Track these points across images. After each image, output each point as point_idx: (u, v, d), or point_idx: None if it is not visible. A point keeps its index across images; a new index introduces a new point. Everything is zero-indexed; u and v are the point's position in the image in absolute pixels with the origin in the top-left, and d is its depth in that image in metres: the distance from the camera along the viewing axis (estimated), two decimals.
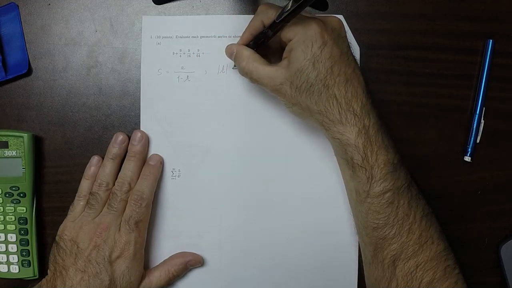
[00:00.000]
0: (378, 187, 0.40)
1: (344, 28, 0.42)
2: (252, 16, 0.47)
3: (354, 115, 0.40)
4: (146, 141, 0.48)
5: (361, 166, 0.40)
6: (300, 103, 0.41)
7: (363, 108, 0.40)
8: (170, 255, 0.48)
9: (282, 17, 0.39)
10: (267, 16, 0.42)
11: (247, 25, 0.44)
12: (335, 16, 0.42)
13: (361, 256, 0.48)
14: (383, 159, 0.40)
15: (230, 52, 0.45)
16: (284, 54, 0.42)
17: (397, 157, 0.41)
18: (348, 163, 0.41)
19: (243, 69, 0.43)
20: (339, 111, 0.40)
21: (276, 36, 0.42)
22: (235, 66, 0.46)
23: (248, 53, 0.43)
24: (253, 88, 0.48)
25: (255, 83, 0.43)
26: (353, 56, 0.42)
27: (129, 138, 0.48)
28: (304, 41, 0.39)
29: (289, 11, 0.38)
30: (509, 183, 0.49)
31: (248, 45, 0.44)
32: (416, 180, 0.42)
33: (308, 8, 0.48)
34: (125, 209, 0.45)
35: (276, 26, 0.40)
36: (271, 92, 0.43)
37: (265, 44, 0.43)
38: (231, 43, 0.45)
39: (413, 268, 0.40)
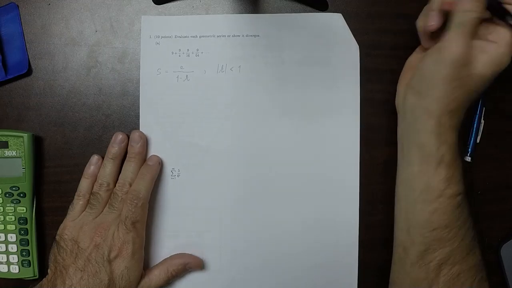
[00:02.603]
0: (454, 188, 0.41)
1: None
2: (251, 15, 0.47)
3: (460, 126, 0.41)
4: (145, 141, 0.48)
5: (447, 165, 0.41)
6: (459, 88, 0.40)
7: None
8: (170, 254, 0.48)
9: None
10: None
11: None
12: None
13: (361, 256, 0.48)
14: (462, 164, 0.41)
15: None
16: (483, 35, 0.41)
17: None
18: (431, 159, 0.41)
19: (464, 22, 0.39)
20: (460, 119, 0.41)
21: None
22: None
23: (479, 14, 0.39)
24: (253, 88, 0.48)
25: (449, 33, 0.40)
26: None
27: (129, 137, 0.48)
28: (503, 52, 0.40)
29: None
30: (509, 183, 0.49)
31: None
32: None
33: (307, 8, 0.48)
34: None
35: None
36: (461, 56, 0.39)
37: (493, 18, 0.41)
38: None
39: (455, 274, 0.40)
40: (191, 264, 0.47)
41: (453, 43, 0.39)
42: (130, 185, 0.46)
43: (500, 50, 0.40)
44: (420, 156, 0.42)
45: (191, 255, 0.48)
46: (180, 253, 0.48)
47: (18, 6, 0.49)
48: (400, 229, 0.44)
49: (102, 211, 0.46)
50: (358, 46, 0.48)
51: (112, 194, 0.46)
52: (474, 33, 0.40)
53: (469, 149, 0.48)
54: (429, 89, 0.41)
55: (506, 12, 0.40)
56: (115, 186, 0.46)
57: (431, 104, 0.41)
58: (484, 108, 0.48)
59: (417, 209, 0.42)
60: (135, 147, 0.47)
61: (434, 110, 0.41)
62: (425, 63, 0.41)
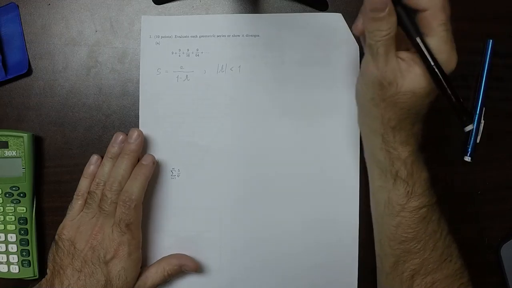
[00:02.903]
0: (415, 202, 0.40)
1: None
2: (250, 15, 0.47)
3: (415, 140, 0.40)
4: (142, 140, 0.47)
5: (404, 180, 0.40)
6: (384, 109, 0.38)
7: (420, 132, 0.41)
8: (169, 254, 0.48)
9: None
10: (431, 23, 0.36)
11: None
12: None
13: (361, 254, 0.48)
14: (425, 176, 0.40)
15: (380, 8, 0.35)
16: (406, 56, 0.37)
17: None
18: (389, 174, 0.41)
19: (377, 42, 0.36)
20: (408, 135, 0.40)
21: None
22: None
23: (393, 32, 0.36)
24: (253, 88, 0.48)
25: (368, 57, 0.38)
26: None
27: None
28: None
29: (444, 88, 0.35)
30: (509, 183, 0.49)
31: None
32: None
33: (307, 8, 0.48)
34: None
35: (425, 55, 0.35)
36: (370, 76, 0.38)
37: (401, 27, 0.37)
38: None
39: (430, 284, 0.40)
40: (187, 267, 0.47)
41: (368, 66, 0.38)
42: (120, 183, 0.45)
43: (419, 81, 0.37)
44: (379, 172, 0.42)
45: (188, 257, 0.48)
46: (178, 254, 0.48)
47: (18, 6, 0.49)
48: (375, 240, 0.44)
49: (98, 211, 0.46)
50: (358, 46, 0.48)
51: (102, 196, 0.45)
52: (390, 50, 0.36)
53: (469, 149, 0.48)
54: (365, 109, 0.41)
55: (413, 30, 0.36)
56: None
57: (372, 123, 0.40)
58: (484, 108, 0.48)
59: (384, 223, 0.42)
60: (131, 144, 0.46)
61: (376, 129, 0.40)
62: (356, 86, 0.41)
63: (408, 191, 0.40)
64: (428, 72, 0.36)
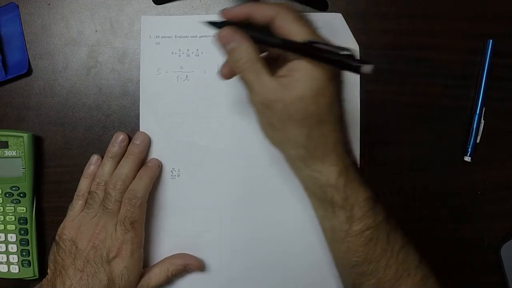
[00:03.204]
0: (358, 226, 0.39)
1: None
2: None
3: (337, 155, 0.39)
4: (148, 143, 0.48)
5: (341, 207, 0.39)
6: (286, 130, 0.38)
7: (345, 147, 0.40)
8: (170, 254, 0.48)
9: (307, 45, 0.35)
10: (284, 24, 0.36)
11: (251, 7, 0.37)
12: None
13: None
14: (363, 196, 0.39)
15: (228, 39, 0.37)
16: (285, 71, 0.37)
17: (371, 191, 0.40)
18: (326, 203, 0.40)
19: (242, 71, 0.37)
20: (324, 149, 0.39)
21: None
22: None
23: (253, 55, 0.37)
24: None
25: (246, 88, 0.38)
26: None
27: (130, 138, 0.48)
28: (312, 67, 0.36)
29: (326, 56, 0.35)
30: (509, 183, 0.49)
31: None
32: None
33: (308, 8, 0.48)
34: (120, 209, 0.45)
35: (294, 46, 0.35)
36: (257, 104, 0.38)
37: (264, 45, 0.38)
38: (222, 29, 0.38)
39: None
40: (192, 265, 0.47)
41: (250, 98, 0.38)
42: (124, 182, 0.45)
43: (303, 83, 0.36)
44: (316, 202, 0.41)
45: (192, 256, 0.48)
46: (181, 253, 0.48)
47: (18, 6, 0.49)
48: (334, 264, 0.44)
49: (99, 210, 0.46)
50: (358, 46, 0.48)
51: (105, 194, 0.45)
52: (260, 73, 0.37)
53: (469, 149, 0.48)
54: (275, 141, 0.40)
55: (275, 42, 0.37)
56: None
57: (288, 152, 0.40)
58: (484, 108, 0.48)
59: (334, 249, 0.42)
60: (136, 146, 0.47)
61: (294, 156, 0.40)
62: (260, 127, 0.41)
63: (348, 216, 0.39)
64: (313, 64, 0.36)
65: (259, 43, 0.37)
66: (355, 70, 0.34)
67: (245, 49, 0.37)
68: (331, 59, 0.35)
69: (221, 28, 0.38)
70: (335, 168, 0.39)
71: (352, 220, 0.39)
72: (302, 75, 0.36)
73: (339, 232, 0.40)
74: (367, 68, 0.34)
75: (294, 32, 0.36)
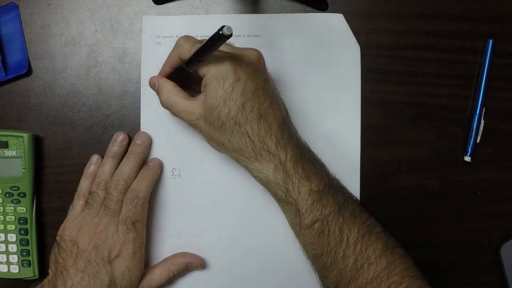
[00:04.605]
0: (307, 218, 0.40)
1: (263, 60, 0.42)
2: (251, 15, 0.47)
3: (269, 153, 0.40)
4: (149, 143, 0.48)
5: (286, 201, 0.40)
6: (215, 139, 0.41)
7: (278, 143, 0.40)
8: (171, 254, 0.48)
9: (195, 54, 0.39)
10: (183, 50, 0.41)
11: (167, 57, 0.44)
12: (254, 49, 0.42)
13: None
14: (306, 190, 0.40)
15: (152, 84, 0.44)
16: (202, 89, 0.41)
17: (323, 183, 0.40)
18: (275, 199, 0.41)
19: (163, 103, 0.43)
20: (253, 149, 0.40)
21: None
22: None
23: (169, 87, 0.43)
24: None
25: (174, 116, 0.43)
26: (272, 88, 0.42)
27: (130, 138, 0.48)
28: (216, 77, 0.39)
29: (200, 49, 0.38)
30: (509, 183, 0.49)
31: (169, 77, 0.44)
32: (352, 196, 0.43)
33: (308, 8, 0.48)
34: (121, 209, 0.45)
35: (192, 62, 0.40)
36: (189, 126, 0.42)
37: (185, 77, 0.43)
38: (154, 75, 0.45)
39: None
40: (193, 264, 0.47)
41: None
42: (126, 182, 0.45)
43: (209, 93, 0.40)
44: (273, 197, 0.42)
45: (193, 254, 0.48)
46: (182, 252, 0.48)
47: (18, 6, 0.49)
48: None
49: (100, 210, 0.45)
50: (358, 46, 0.48)
51: (107, 194, 0.45)
52: (178, 98, 0.42)
53: (469, 149, 0.48)
54: (217, 146, 0.43)
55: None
56: None
57: (226, 154, 0.43)
58: (484, 108, 0.48)
59: (299, 242, 0.43)
60: (138, 146, 0.47)
61: (233, 158, 0.42)
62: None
63: (295, 210, 0.40)
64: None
65: (179, 75, 0.43)
66: (221, 37, 0.36)
67: (163, 87, 0.43)
68: (208, 46, 0.37)
69: (151, 78, 0.45)
70: (271, 164, 0.40)
71: (300, 214, 0.40)
72: (209, 88, 0.40)
73: (295, 226, 0.41)
74: (227, 30, 0.35)
75: (187, 54, 0.40)
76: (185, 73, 0.42)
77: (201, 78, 0.41)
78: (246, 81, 0.39)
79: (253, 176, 0.42)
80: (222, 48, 0.38)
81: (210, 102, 0.39)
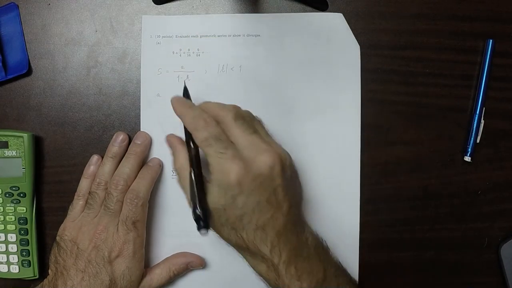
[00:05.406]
0: None
1: (278, 167, 0.39)
2: (251, 15, 0.47)
3: (262, 257, 0.40)
4: (149, 143, 0.48)
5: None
6: (214, 228, 0.41)
7: (273, 249, 0.39)
8: (171, 254, 0.48)
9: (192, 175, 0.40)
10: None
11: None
12: (270, 155, 0.39)
13: (361, 256, 0.48)
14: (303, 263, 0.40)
15: (170, 144, 0.45)
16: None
17: (315, 281, 0.40)
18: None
19: (176, 169, 0.43)
20: (248, 249, 0.40)
21: None
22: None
23: (185, 165, 0.42)
24: (253, 88, 0.48)
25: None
26: (283, 192, 0.40)
27: (130, 138, 0.48)
28: (219, 184, 0.39)
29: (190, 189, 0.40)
30: (509, 183, 0.49)
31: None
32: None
33: (308, 8, 0.48)
34: (121, 209, 0.45)
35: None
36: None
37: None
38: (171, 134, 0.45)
39: None
40: (193, 263, 0.47)
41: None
42: (126, 182, 0.45)
43: (216, 191, 0.39)
44: None
45: (193, 254, 0.48)
46: (182, 252, 0.48)
47: (18, 6, 0.49)
48: None
49: (100, 210, 0.45)
50: (358, 46, 0.48)
51: (107, 194, 0.45)
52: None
53: (469, 149, 0.48)
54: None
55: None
56: None
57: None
58: (484, 108, 0.48)
59: None
60: (137, 145, 0.47)
61: (232, 245, 0.42)
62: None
63: None
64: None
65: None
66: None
67: (178, 157, 0.43)
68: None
69: (169, 134, 0.46)
70: (263, 264, 0.40)
71: None
72: (212, 190, 0.40)
73: None
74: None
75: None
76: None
77: None
78: (249, 195, 0.38)
79: (248, 263, 0.42)
80: (238, 141, 0.39)
81: (212, 204, 0.39)
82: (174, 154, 0.43)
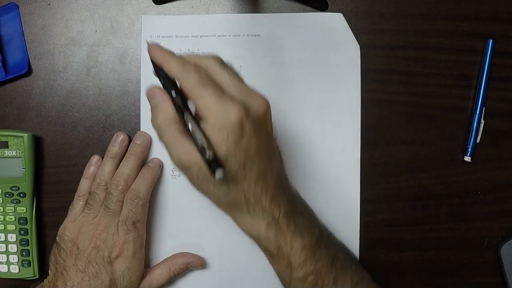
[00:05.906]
0: (299, 272, 0.39)
1: (270, 113, 0.37)
2: (251, 15, 0.47)
3: (263, 210, 0.38)
4: (149, 143, 0.48)
5: (277, 256, 0.39)
6: (205, 191, 0.39)
7: (273, 200, 0.38)
8: (171, 254, 0.48)
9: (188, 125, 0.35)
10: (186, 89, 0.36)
11: (164, 59, 0.37)
12: (263, 98, 0.37)
13: (361, 256, 0.48)
14: (299, 245, 0.39)
15: (152, 96, 0.37)
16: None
17: (315, 236, 0.40)
18: (264, 252, 0.41)
19: (155, 126, 0.37)
20: (247, 205, 0.38)
21: None
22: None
23: (169, 116, 0.36)
24: (253, 87, 0.48)
25: (164, 147, 0.38)
26: (274, 144, 0.39)
27: (130, 138, 0.48)
28: (219, 128, 0.34)
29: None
30: (509, 183, 0.49)
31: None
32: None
33: (308, 8, 0.48)
34: (121, 209, 0.45)
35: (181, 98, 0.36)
36: (177, 167, 0.38)
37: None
38: (153, 85, 0.38)
39: None
40: (193, 263, 0.47)
41: (172, 159, 0.38)
42: (126, 182, 0.45)
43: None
44: (263, 250, 0.41)
45: (193, 254, 0.48)
46: (182, 252, 0.48)
47: (18, 6, 0.49)
48: None
49: (100, 211, 0.45)
50: (358, 46, 0.48)
51: (107, 194, 0.45)
52: (174, 136, 0.36)
53: (469, 149, 0.48)
54: (210, 194, 0.40)
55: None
56: None
57: (213, 203, 0.41)
58: (484, 108, 0.48)
59: None
60: (137, 145, 0.47)
61: (222, 209, 0.40)
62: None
63: (286, 264, 0.39)
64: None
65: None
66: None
67: (162, 109, 0.37)
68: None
69: (149, 86, 0.38)
70: (263, 221, 0.39)
71: (292, 267, 0.39)
72: (209, 138, 0.35)
73: (284, 278, 0.41)
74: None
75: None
76: (178, 108, 0.37)
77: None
78: (250, 137, 0.35)
79: (242, 229, 0.40)
80: (229, 86, 0.36)
81: None
82: (156, 106, 0.37)
